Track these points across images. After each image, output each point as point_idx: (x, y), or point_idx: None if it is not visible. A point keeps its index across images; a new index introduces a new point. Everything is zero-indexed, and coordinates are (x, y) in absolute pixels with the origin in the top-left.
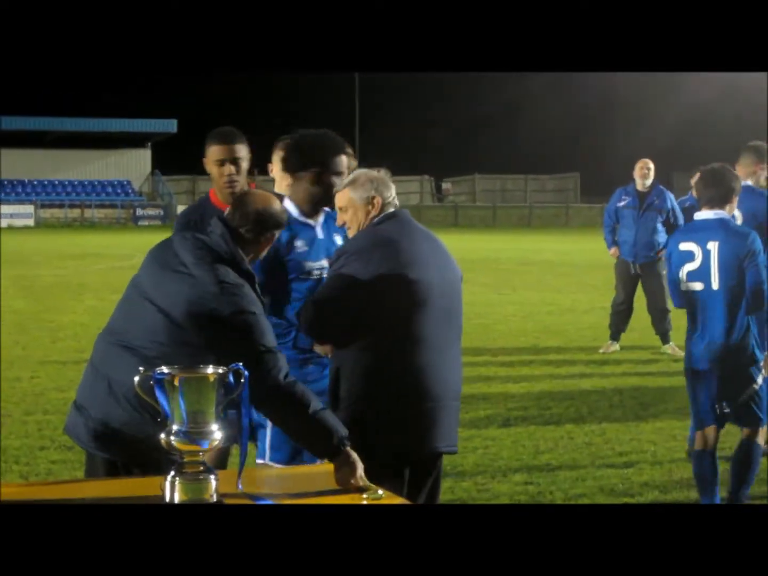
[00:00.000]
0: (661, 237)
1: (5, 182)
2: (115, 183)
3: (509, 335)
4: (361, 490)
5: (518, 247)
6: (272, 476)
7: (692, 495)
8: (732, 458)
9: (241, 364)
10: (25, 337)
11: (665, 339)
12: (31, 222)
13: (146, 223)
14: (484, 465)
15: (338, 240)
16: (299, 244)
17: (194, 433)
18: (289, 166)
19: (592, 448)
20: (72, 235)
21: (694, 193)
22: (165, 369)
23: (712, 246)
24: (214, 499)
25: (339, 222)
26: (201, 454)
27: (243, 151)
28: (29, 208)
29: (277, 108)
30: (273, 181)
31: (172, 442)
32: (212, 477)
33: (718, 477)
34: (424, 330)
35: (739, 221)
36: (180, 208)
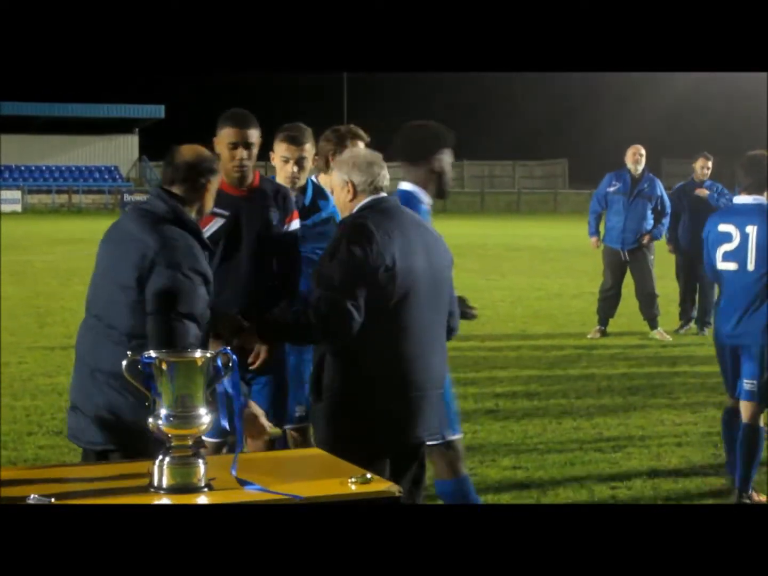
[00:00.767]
0: (650, 224)
1: None
2: (103, 169)
3: (497, 320)
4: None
5: (506, 233)
6: (250, 461)
7: (680, 480)
8: (738, 443)
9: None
10: (12, 322)
11: (653, 324)
12: (18, 207)
13: None
14: (472, 449)
15: None
16: None
17: (183, 417)
18: (410, 155)
19: (580, 433)
20: (60, 220)
21: (696, 178)
22: (152, 353)
23: (751, 230)
24: (203, 483)
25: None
26: (189, 438)
27: (256, 136)
28: (16, 194)
29: (267, 94)
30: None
31: (161, 426)
32: (201, 461)
33: (742, 445)
34: (409, 319)
35: None
36: None
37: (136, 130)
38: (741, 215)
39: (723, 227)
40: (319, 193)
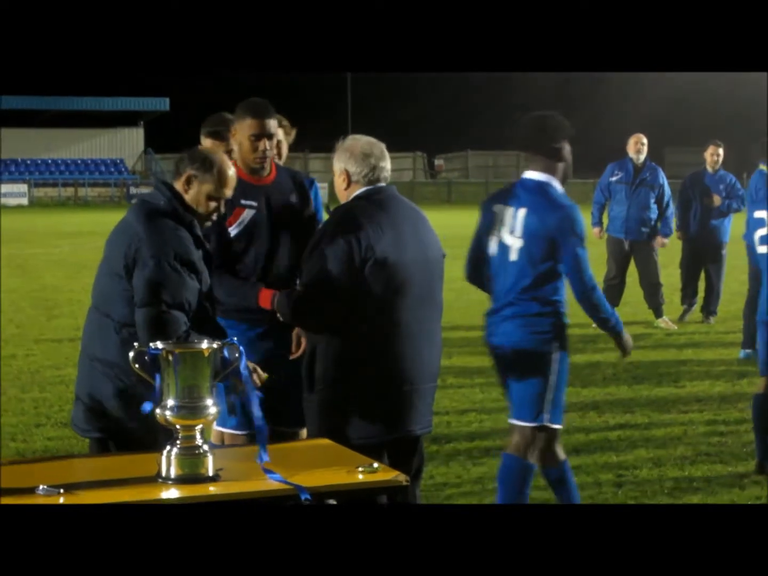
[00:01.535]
0: (653, 213)
1: None
2: (108, 161)
3: None
4: None
5: None
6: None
7: (686, 467)
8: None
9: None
10: (20, 315)
11: (658, 313)
12: (24, 201)
13: None
14: (479, 438)
15: None
16: None
17: (189, 408)
18: (538, 145)
19: (586, 421)
20: (66, 213)
21: (708, 167)
22: (159, 344)
23: None
24: (210, 473)
25: None
26: (196, 428)
27: (276, 126)
28: (23, 188)
29: (270, 82)
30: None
31: (168, 417)
32: (208, 452)
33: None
34: (401, 312)
35: None
36: None
37: (141, 122)
38: None
39: (757, 214)
40: None
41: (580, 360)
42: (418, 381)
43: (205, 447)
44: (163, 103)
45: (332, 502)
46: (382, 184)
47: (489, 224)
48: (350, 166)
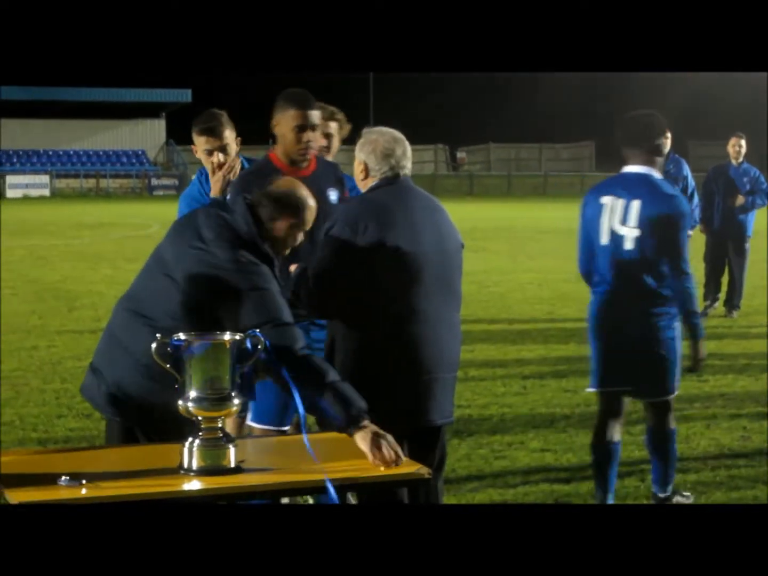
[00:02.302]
0: None
1: (21, 152)
2: (130, 153)
3: (525, 303)
4: (397, 463)
5: (533, 215)
6: (281, 444)
7: (708, 462)
8: None
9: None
10: (41, 306)
11: None
12: (46, 192)
13: (161, 192)
14: (500, 431)
15: None
16: None
17: (212, 399)
18: (640, 141)
19: None
20: (87, 204)
21: (732, 159)
22: (182, 336)
23: None
24: (232, 464)
25: None
26: (219, 420)
27: (319, 117)
28: (45, 179)
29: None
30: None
31: (190, 408)
32: (230, 444)
33: None
34: (418, 302)
35: None
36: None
37: (163, 114)
38: None
39: None
40: None
41: None
42: (437, 370)
43: (228, 438)
44: (185, 95)
45: (352, 499)
46: (400, 176)
47: (596, 216)
48: (370, 161)
